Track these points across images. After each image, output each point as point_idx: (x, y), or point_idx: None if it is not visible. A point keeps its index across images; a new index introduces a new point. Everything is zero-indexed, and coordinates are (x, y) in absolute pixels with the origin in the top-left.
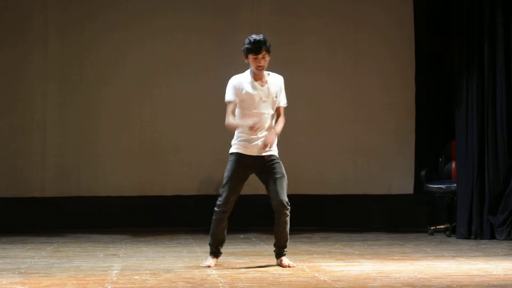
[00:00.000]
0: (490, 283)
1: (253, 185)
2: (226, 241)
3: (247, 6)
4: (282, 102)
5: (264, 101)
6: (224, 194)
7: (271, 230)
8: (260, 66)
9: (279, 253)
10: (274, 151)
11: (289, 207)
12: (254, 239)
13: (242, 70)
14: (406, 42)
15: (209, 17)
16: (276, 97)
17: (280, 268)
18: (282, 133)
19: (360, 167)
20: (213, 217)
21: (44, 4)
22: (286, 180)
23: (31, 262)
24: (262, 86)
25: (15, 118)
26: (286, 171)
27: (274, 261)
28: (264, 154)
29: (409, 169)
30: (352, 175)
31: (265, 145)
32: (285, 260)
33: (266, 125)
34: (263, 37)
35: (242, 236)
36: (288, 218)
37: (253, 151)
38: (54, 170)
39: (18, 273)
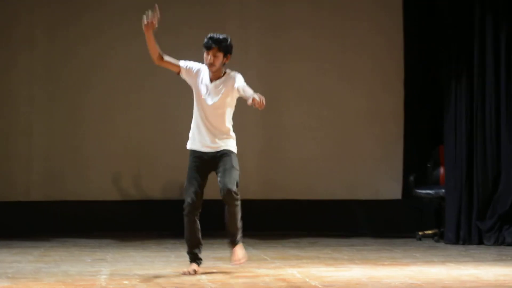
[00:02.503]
0: None
1: (240, 190)
2: (214, 245)
3: None
4: (237, 84)
5: (211, 97)
6: (188, 195)
7: (258, 234)
8: (209, 64)
9: (232, 241)
10: (227, 146)
11: (237, 196)
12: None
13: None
14: (394, 47)
15: (196, 10)
16: (226, 92)
17: (270, 273)
18: (269, 139)
19: (348, 172)
20: (184, 220)
21: (30, 8)
22: (237, 172)
23: (18, 266)
24: (212, 81)
25: (0, 122)
26: (274, 176)
27: (264, 265)
28: (214, 151)
29: (397, 174)
30: (340, 180)
31: (255, 100)
32: (239, 251)
33: (215, 122)
34: (222, 37)
35: (229, 241)
36: (237, 208)
37: (201, 146)
38: (40, 174)
39: (6, 278)
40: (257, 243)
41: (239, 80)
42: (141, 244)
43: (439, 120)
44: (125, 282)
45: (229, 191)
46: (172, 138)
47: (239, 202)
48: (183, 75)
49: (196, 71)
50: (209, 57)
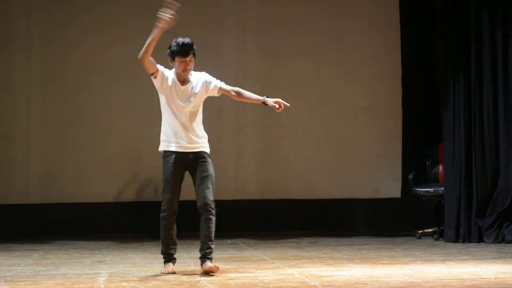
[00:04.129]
0: (482, 287)
1: (240, 190)
2: (214, 246)
3: None
4: (218, 84)
5: (185, 99)
6: (166, 198)
7: (259, 235)
8: (186, 69)
9: (203, 257)
10: (205, 148)
11: (213, 208)
12: (241, 244)
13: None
14: (392, 46)
15: (193, 10)
16: (201, 92)
17: (269, 273)
18: (268, 139)
19: (347, 171)
20: (161, 223)
21: (27, 11)
22: (213, 179)
23: (16, 270)
24: (183, 85)
25: None
26: (273, 176)
27: (263, 266)
28: (195, 150)
29: (397, 173)
30: (340, 179)
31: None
32: (207, 263)
33: (190, 122)
34: (190, 41)
35: (229, 242)
36: (212, 219)
37: (178, 147)
38: (38, 177)
39: (4, 281)
40: (256, 243)
41: (213, 79)
42: (140, 246)
43: (437, 118)
44: (124, 284)
45: (206, 203)
46: None
47: (215, 213)
48: (158, 78)
49: (166, 75)
50: (185, 63)
